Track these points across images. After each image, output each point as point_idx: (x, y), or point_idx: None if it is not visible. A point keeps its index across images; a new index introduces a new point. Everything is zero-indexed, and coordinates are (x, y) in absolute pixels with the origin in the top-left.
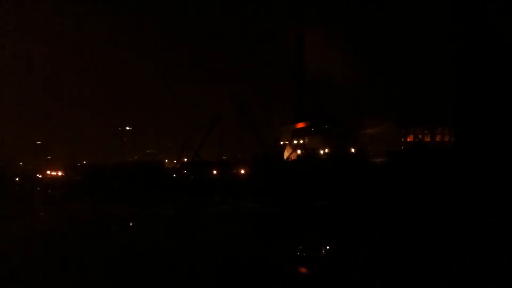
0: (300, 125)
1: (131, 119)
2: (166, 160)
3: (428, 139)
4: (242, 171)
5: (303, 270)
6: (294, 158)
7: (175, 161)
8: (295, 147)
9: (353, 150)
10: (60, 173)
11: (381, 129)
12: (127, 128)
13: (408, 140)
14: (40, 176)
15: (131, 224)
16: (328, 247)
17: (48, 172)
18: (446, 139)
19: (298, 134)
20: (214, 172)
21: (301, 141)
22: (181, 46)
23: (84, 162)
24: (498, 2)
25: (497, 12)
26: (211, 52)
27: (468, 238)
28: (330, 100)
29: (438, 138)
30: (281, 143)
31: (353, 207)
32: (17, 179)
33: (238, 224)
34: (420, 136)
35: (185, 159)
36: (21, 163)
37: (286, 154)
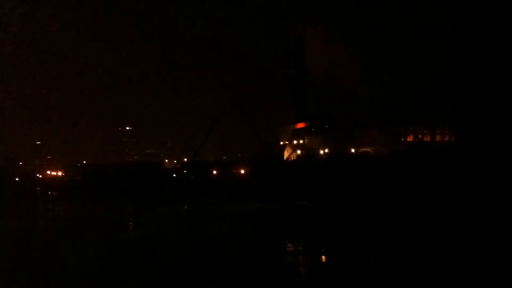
0: (300, 125)
1: (131, 119)
2: (166, 160)
3: (428, 139)
4: (242, 171)
5: (299, 270)
6: (294, 158)
7: (175, 161)
8: (295, 147)
9: (353, 150)
10: (60, 173)
11: (379, 130)
12: (127, 128)
13: (408, 140)
14: (40, 176)
15: (131, 224)
16: (326, 248)
17: (48, 172)
18: (446, 139)
19: (298, 134)
20: (214, 172)
21: (301, 141)
22: (181, 45)
23: (84, 162)
24: (498, 1)
25: (497, 12)
26: (211, 52)
27: (468, 238)
28: (330, 100)
29: (438, 138)
30: (281, 143)
31: (353, 207)
32: (17, 179)
33: (238, 224)
34: (420, 136)
35: (185, 159)
36: (21, 163)
37: (286, 154)
